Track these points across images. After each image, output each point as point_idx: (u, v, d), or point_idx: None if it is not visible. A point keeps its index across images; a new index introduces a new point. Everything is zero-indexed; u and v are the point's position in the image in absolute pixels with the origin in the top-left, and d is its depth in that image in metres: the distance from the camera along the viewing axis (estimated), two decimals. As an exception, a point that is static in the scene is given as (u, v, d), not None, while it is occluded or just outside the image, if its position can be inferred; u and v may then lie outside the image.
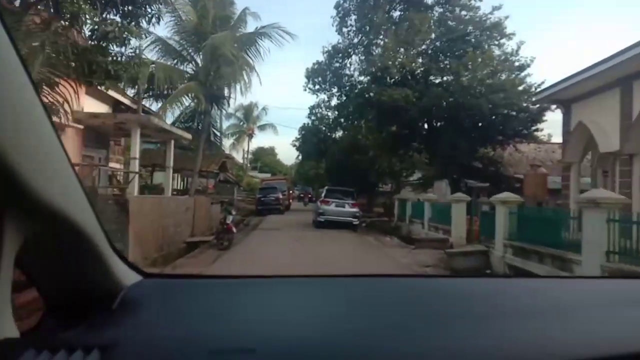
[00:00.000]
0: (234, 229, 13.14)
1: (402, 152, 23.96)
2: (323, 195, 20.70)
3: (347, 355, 0.95)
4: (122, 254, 1.19)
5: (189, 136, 17.71)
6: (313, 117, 37.12)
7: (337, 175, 35.41)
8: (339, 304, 1.25)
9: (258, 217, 28.64)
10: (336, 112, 24.56)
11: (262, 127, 58.35)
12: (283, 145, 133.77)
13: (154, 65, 18.57)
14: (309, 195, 52.00)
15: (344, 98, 22.49)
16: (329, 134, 36.68)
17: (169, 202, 13.69)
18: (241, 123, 57.96)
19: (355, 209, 20.21)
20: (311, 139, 37.20)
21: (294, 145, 44.75)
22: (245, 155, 60.59)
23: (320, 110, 36.96)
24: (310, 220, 23.89)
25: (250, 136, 57.99)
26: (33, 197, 0.73)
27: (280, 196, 31.52)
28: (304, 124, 37.40)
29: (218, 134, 22.31)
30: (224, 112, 24.80)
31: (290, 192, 40.41)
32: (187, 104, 21.14)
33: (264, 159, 72.17)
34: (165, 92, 18.86)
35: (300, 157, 55.10)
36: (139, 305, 1.12)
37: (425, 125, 22.82)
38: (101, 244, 1.04)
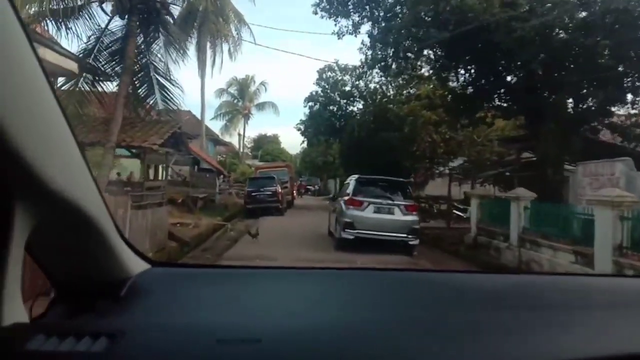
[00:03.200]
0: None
1: (476, 116, 14.44)
2: (350, 190, 11.10)
3: (352, 346, 0.94)
4: (130, 242, 1.18)
5: (69, 65, 8.26)
6: (323, 83, 27.68)
7: (355, 161, 26.08)
8: (345, 296, 1.25)
9: (246, 222, 19.44)
10: (366, 54, 14.65)
11: (260, 106, 48.84)
12: (287, 133, 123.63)
13: None
14: (306, 187, 44.65)
15: (382, 23, 12.88)
16: (344, 104, 27.21)
17: None
18: (235, 101, 48.47)
19: (413, 217, 10.72)
20: (320, 114, 27.80)
21: (299, 129, 37.53)
22: (242, 141, 51.27)
23: (334, 73, 27.57)
24: (323, 226, 14.69)
25: (247, 116, 48.47)
26: (44, 183, 0.74)
27: (279, 189, 22.11)
28: (312, 93, 27.98)
29: (166, 83, 12.80)
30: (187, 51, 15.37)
31: (295, 183, 30.61)
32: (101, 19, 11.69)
33: (267, 147, 62.96)
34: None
35: (305, 143, 47.24)
36: (146, 294, 1.13)
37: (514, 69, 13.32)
38: (110, 231, 1.04)
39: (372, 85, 26.17)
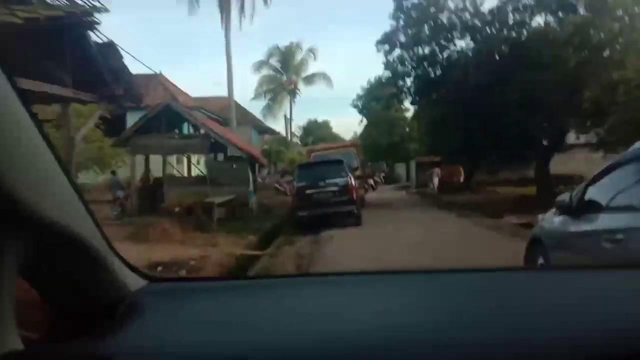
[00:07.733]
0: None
1: None
2: None
3: (363, 355, 0.90)
4: (125, 259, 1.16)
5: None
6: (403, 16, 17.92)
7: (463, 127, 16.36)
8: (350, 305, 1.14)
9: (297, 245, 10.38)
10: None
11: (308, 79, 39.73)
12: (338, 120, 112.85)
13: None
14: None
15: None
16: (442, 42, 17.31)
17: None
18: (278, 75, 39.57)
19: None
20: (402, 61, 18.19)
21: (355, 106, 28.80)
22: (289, 124, 42.41)
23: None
24: (462, 257, 5.69)
25: (293, 93, 39.50)
26: (28, 208, 0.74)
27: (353, 182, 12.82)
28: (386, 32, 18.29)
29: None
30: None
31: (367, 173, 20.72)
32: None
33: (317, 132, 54.11)
34: None
35: (363, 120, 38.55)
36: (144, 311, 1.10)
37: None
38: (102, 250, 1.02)
39: (487, 8, 16.26)
